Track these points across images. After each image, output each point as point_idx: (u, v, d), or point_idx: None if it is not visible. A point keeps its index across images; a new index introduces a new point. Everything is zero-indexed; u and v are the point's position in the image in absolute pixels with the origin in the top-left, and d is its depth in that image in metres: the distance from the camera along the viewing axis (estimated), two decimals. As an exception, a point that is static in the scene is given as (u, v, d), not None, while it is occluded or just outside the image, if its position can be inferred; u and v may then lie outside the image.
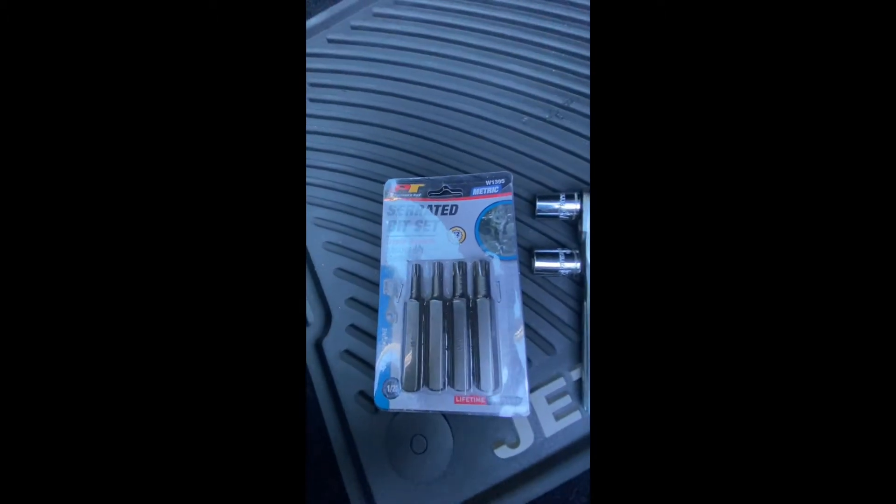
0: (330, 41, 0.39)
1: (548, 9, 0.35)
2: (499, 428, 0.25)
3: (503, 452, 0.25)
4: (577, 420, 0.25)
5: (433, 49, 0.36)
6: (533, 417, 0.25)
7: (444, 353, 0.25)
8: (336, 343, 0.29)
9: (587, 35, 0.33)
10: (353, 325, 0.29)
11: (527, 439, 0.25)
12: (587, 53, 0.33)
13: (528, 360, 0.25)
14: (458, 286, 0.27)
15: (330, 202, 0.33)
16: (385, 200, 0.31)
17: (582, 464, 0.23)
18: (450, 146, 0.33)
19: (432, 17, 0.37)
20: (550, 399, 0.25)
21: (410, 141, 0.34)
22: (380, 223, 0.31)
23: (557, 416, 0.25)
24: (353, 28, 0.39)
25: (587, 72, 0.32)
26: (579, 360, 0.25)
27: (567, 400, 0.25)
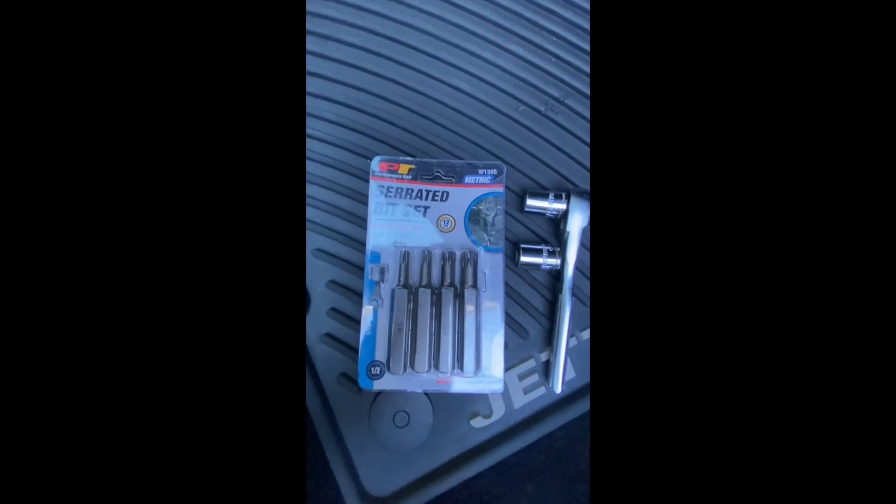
0: (305, -29, 0.32)
1: (554, -13, 0.33)
2: (475, 402, 0.28)
3: (478, 423, 0.28)
4: (542, 394, 0.28)
5: (432, 9, 0.33)
6: (505, 392, 0.28)
7: (430, 339, 0.27)
8: (316, 326, 0.28)
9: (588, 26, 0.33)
10: (333, 308, 0.29)
11: (498, 410, 0.28)
12: (587, 47, 0.33)
13: (505, 344, 0.28)
14: (447, 275, 0.28)
15: (307, 175, 0.30)
16: (372, 180, 0.29)
17: (543, 429, 0.28)
18: (442, 125, 0.31)
19: (430, -33, 0.33)
20: (521, 377, 0.29)
21: (400, 113, 0.31)
22: (362, 202, 0.29)
23: (526, 391, 0.28)
24: (335, -40, 0.33)
25: (585, 67, 0.32)
26: (548, 344, 0.29)
27: (535, 377, 0.29)
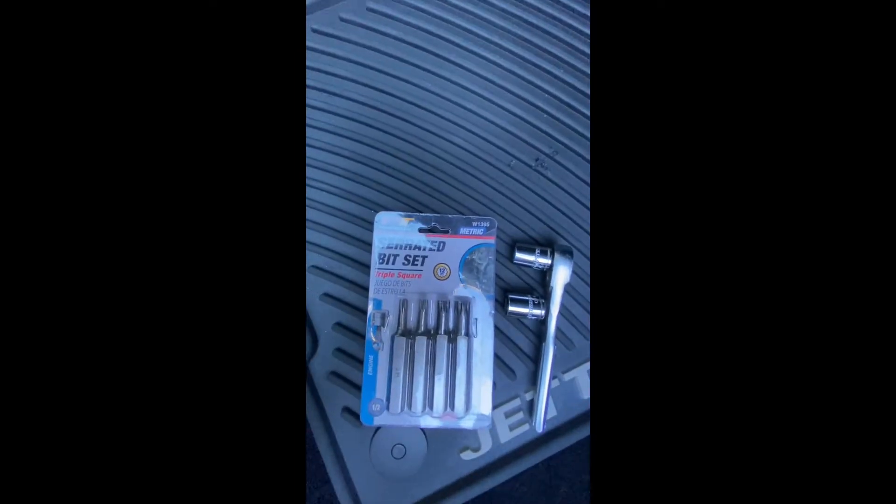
0: (314, 31, 0.35)
1: (549, 48, 0.35)
2: (465, 437, 0.31)
3: (467, 456, 0.31)
4: (527, 430, 0.31)
5: (429, 66, 0.35)
6: (492, 428, 0.31)
7: (425, 383, 0.30)
8: (323, 365, 0.31)
9: (580, 85, 0.35)
10: (339, 349, 0.31)
11: (486, 445, 0.31)
12: (577, 105, 0.35)
13: (494, 384, 0.31)
14: (442, 323, 0.30)
15: (313, 224, 0.33)
16: (375, 233, 0.31)
17: (526, 463, 0.31)
18: (439, 178, 0.34)
19: (433, 27, 0.35)
20: (508, 414, 0.31)
21: (402, 167, 0.34)
22: (366, 250, 0.32)
23: (511, 428, 0.31)
24: (343, 21, 0.35)
25: (574, 124, 0.35)
26: (533, 384, 0.32)
27: (520, 415, 0.31)
